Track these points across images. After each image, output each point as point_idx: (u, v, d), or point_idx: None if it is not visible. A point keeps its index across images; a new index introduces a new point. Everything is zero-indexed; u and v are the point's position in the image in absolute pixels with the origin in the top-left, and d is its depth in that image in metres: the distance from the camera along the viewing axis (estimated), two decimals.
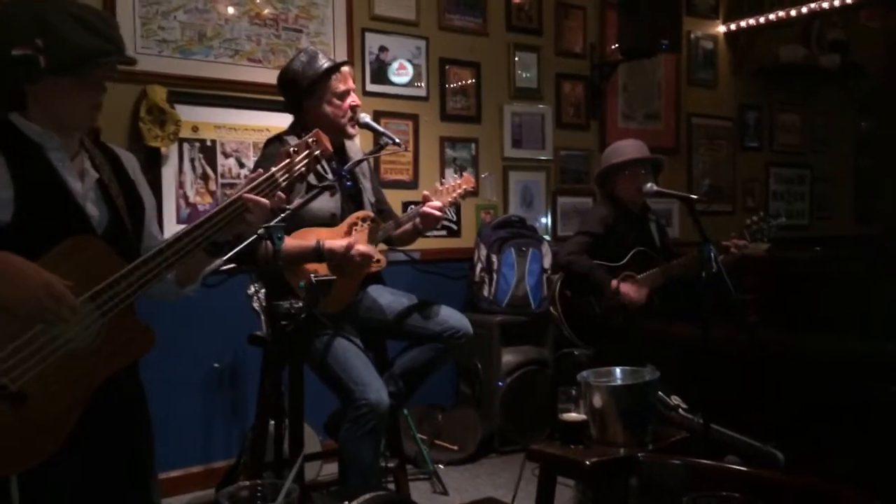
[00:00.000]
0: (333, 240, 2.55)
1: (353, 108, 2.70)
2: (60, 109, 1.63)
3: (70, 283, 1.52)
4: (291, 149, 1.80)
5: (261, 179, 1.73)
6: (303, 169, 1.79)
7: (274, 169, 1.76)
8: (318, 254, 2.50)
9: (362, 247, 2.56)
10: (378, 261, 2.73)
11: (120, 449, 1.71)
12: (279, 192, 1.74)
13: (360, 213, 2.70)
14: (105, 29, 1.62)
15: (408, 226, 2.74)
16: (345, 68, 2.70)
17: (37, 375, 1.51)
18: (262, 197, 1.71)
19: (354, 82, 2.77)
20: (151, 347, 1.66)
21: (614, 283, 3.35)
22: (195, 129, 3.56)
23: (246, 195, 1.69)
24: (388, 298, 2.75)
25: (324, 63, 2.66)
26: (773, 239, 3.59)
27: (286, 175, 1.77)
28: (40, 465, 1.52)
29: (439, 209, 2.65)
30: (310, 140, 1.82)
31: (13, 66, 1.55)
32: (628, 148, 3.54)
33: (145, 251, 1.67)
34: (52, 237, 1.54)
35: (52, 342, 1.53)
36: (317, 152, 1.81)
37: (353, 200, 2.75)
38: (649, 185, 3.27)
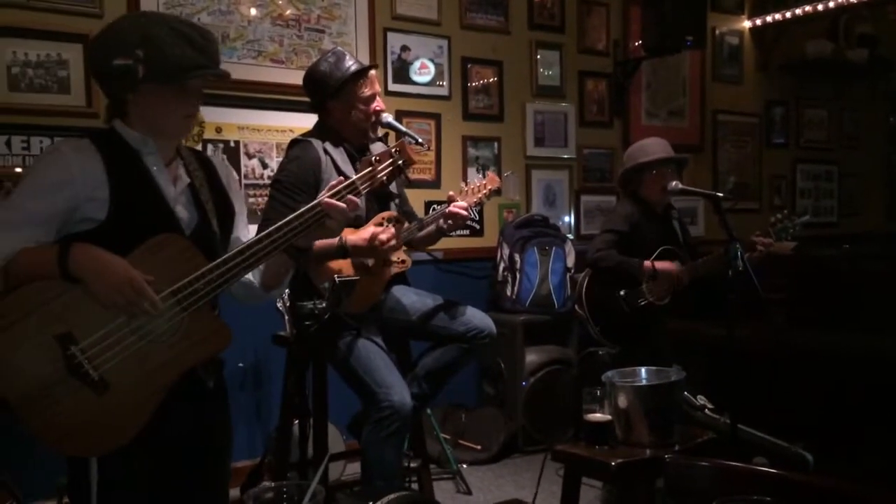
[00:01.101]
0: (356, 235, 2.54)
1: (377, 113, 2.70)
2: (157, 117, 1.72)
3: (151, 277, 1.61)
4: (374, 157, 1.81)
5: (341, 187, 1.76)
6: (384, 178, 1.82)
7: (355, 177, 1.79)
8: (343, 250, 2.51)
9: (385, 234, 2.52)
10: (403, 261, 2.72)
11: (195, 442, 1.79)
12: (351, 197, 1.76)
13: (385, 214, 2.70)
14: (202, 43, 1.70)
15: (431, 227, 2.73)
16: (371, 72, 2.70)
17: (118, 365, 1.61)
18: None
19: (380, 85, 2.77)
20: (228, 344, 1.73)
21: (647, 263, 3.31)
22: (219, 130, 3.58)
23: (325, 200, 1.73)
24: (412, 298, 2.74)
25: (351, 65, 2.65)
26: (801, 237, 3.53)
27: (367, 183, 1.80)
28: (118, 450, 1.62)
29: (465, 209, 2.64)
30: (394, 150, 1.83)
31: (116, 75, 1.66)
32: (654, 147, 3.49)
33: None
34: (142, 236, 1.64)
35: (134, 333, 1.63)
36: (400, 162, 1.83)
37: (377, 201, 2.75)
38: (674, 182, 3.23)
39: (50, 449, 1.60)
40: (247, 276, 1.83)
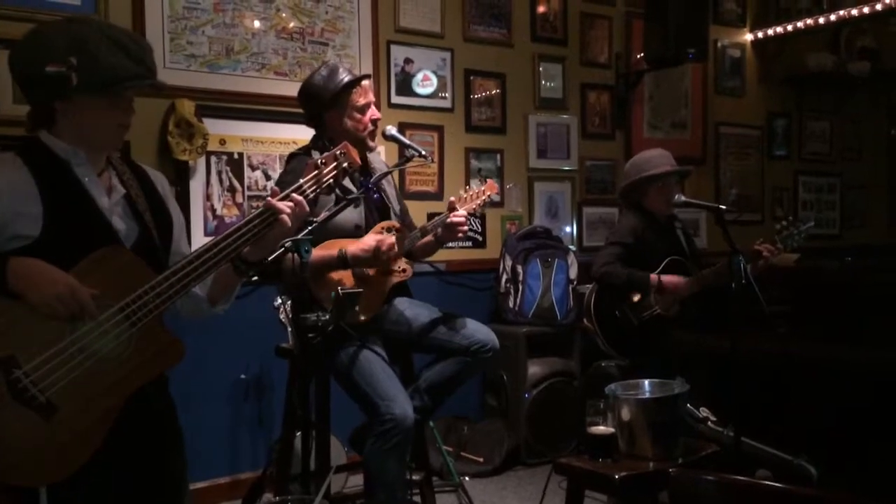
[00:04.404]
0: (356, 245, 2.55)
1: (374, 122, 2.71)
2: (89, 127, 1.66)
3: (97, 292, 1.54)
4: (319, 160, 1.81)
5: (289, 190, 1.75)
6: (331, 181, 1.80)
7: (302, 180, 1.78)
8: (343, 261, 2.51)
9: (388, 238, 2.55)
10: (404, 270, 2.72)
11: (150, 463, 1.72)
12: (296, 196, 1.75)
13: (386, 223, 2.71)
14: (138, 52, 1.65)
15: (430, 236, 2.74)
16: (365, 82, 2.72)
17: (66, 386, 1.53)
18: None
19: (376, 95, 2.78)
20: (181, 359, 1.67)
21: (654, 277, 3.31)
22: (223, 142, 3.59)
23: (271, 201, 1.71)
24: (415, 311, 2.74)
25: (344, 77, 2.68)
26: (803, 248, 3.53)
27: (314, 186, 1.78)
28: (70, 478, 1.53)
29: (463, 220, 2.65)
30: (338, 152, 1.83)
31: (46, 82, 1.59)
32: (659, 159, 3.49)
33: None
34: (79, 251, 1.57)
35: (82, 353, 1.55)
36: (345, 164, 1.82)
37: (378, 212, 2.75)
38: (678, 195, 3.24)
39: None
40: (194, 290, 1.74)
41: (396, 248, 2.57)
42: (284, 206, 1.71)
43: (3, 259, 1.52)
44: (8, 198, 1.57)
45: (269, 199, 1.71)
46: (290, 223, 1.71)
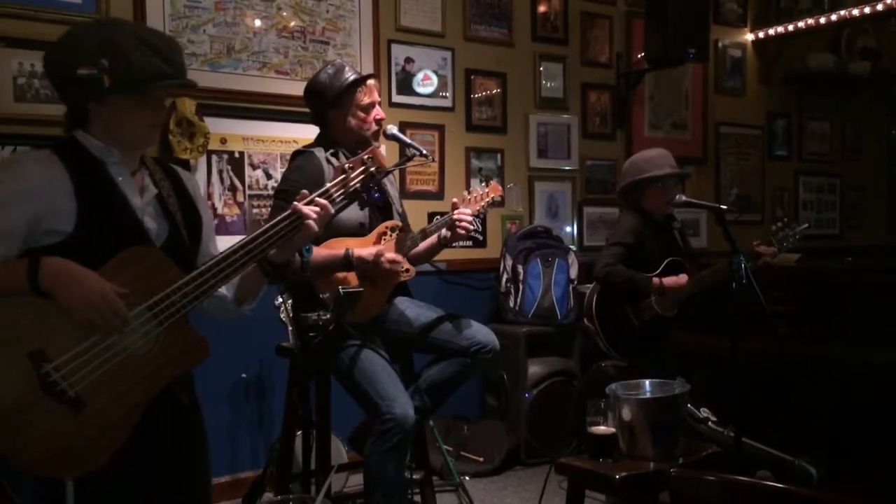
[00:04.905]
0: (362, 248, 2.56)
1: (378, 121, 2.71)
2: (121, 127, 1.69)
3: (127, 291, 1.57)
4: (347, 165, 1.82)
5: (315, 194, 1.77)
6: (357, 185, 1.82)
7: (329, 185, 1.80)
8: (348, 262, 2.51)
9: (391, 254, 2.56)
10: (407, 270, 2.72)
11: (175, 458, 1.75)
12: (322, 201, 1.77)
13: (389, 223, 2.70)
14: (168, 52, 1.68)
15: (432, 238, 2.74)
16: (371, 81, 2.71)
17: (94, 382, 1.57)
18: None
19: (380, 95, 2.78)
20: (206, 357, 1.70)
21: (656, 280, 3.32)
22: (223, 141, 3.59)
23: (298, 206, 1.73)
24: (416, 311, 2.74)
25: (350, 75, 2.68)
26: (804, 249, 3.52)
27: (341, 191, 1.80)
28: (95, 472, 1.57)
29: (469, 217, 2.64)
30: (365, 157, 1.84)
31: (79, 84, 1.62)
32: (659, 159, 3.48)
33: None
34: (110, 248, 1.61)
35: (109, 349, 1.58)
36: (372, 169, 1.84)
37: (381, 211, 2.75)
38: (679, 195, 3.24)
39: (25, 471, 1.55)
40: (219, 290, 1.78)
41: (394, 264, 2.56)
42: (311, 210, 1.73)
43: (37, 259, 1.55)
44: (45, 193, 1.60)
45: (295, 203, 1.74)
46: (316, 227, 1.74)
